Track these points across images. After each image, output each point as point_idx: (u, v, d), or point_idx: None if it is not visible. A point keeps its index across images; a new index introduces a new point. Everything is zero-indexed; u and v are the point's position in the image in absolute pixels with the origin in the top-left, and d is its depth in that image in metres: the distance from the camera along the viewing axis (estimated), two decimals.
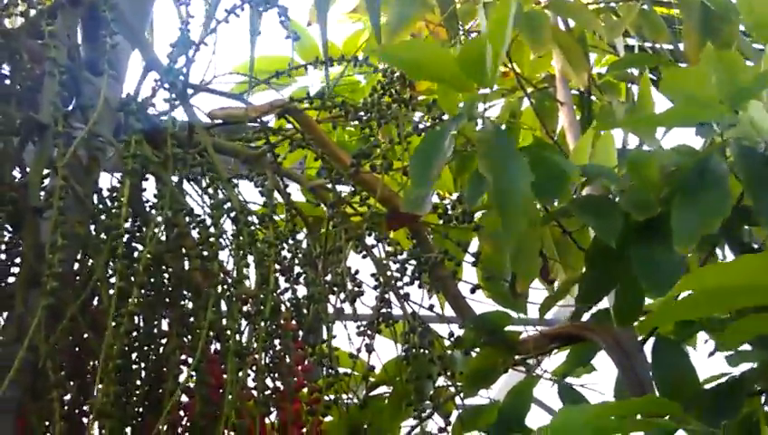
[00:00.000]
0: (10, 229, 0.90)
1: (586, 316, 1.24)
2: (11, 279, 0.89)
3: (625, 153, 1.13)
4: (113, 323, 0.78)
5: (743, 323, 0.76)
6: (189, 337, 0.93)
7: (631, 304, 1.05)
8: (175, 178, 0.92)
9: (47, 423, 0.83)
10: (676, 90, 0.92)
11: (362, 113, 1.11)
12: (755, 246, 1.12)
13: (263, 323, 0.88)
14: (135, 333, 0.91)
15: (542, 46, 1.37)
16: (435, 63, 0.91)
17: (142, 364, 0.93)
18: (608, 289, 1.06)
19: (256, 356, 0.95)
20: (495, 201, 0.85)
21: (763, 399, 1.11)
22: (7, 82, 0.92)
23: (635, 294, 1.03)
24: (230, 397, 0.84)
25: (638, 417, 0.78)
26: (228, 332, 0.87)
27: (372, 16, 1.20)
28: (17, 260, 0.89)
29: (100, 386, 0.80)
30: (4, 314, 0.90)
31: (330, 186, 1.12)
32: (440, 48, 0.91)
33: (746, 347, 1.11)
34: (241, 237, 0.89)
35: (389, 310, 1.12)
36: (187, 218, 0.90)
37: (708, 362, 1.22)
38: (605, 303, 1.19)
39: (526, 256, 0.92)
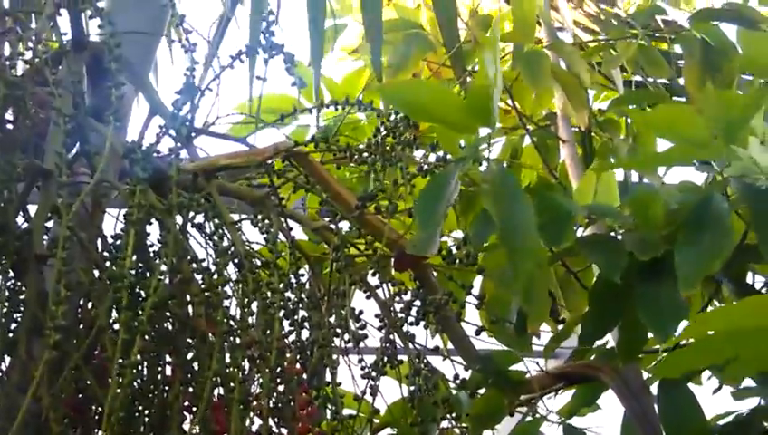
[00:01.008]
0: (12, 276, 0.89)
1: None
2: (13, 325, 0.89)
3: (628, 189, 1.13)
4: (116, 375, 0.77)
5: (744, 360, 0.75)
6: (193, 383, 0.92)
7: (635, 340, 1.05)
8: (179, 221, 0.92)
9: None
10: (669, 130, 0.92)
11: (366, 155, 1.11)
12: (757, 287, 1.12)
13: (267, 370, 0.87)
14: (138, 381, 0.90)
15: (541, 84, 1.37)
16: (437, 104, 0.91)
17: (145, 411, 0.92)
18: (611, 326, 1.06)
19: (260, 401, 0.94)
20: (503, 242, 0.84)
21: None
22: (10, 126, 0.92)
23: (638, 331, 1.03)
24: None
25: None
26: (233, 381, 0.86)
27: (374, 56, 1.21)
28: (20, 306, 0.89)
29: None
30: (7, 360, 0.89)
31: (334, 228, 1.12)
32: (443, 88, 0.91)
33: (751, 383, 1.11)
34: (245, 284, 0.88)
35: (394, 350, 1.11)
36: (193, 265, 0.90)
37: (713, 399, 1.21)
38: (610, 342, 1.18)
39: (536, 296, 0.92)
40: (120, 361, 0.79)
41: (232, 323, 0.90)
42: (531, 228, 0.85)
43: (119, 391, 0.76)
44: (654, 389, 1.11)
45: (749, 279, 1.12)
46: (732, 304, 1.00)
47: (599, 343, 1.19)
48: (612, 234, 1.05)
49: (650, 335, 1.09)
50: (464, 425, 1.12)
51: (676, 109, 0.90)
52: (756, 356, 0.76)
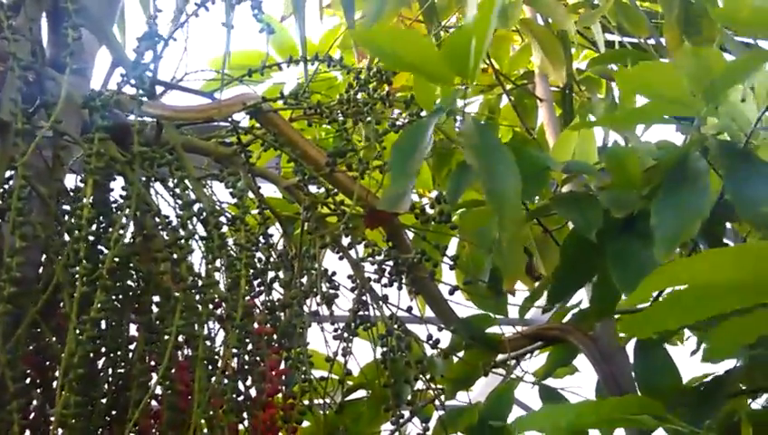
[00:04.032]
0: None
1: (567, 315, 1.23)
2: None
3: (606, 150, 1.11)
4: (76, 330, 0.74)
5: (730, 326, 0.72)
6: (158, 343, 0.90)
7: (607, 298, 1.03)
8: (143, 178, 0.89)
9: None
10: (648, 87, 0.90)
11: (338, 111, 1.07)
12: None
13: (234, 329, 0.85)
14: (100, 339, 0.87)
15: (510, 24, 1.33)
16: (415, 54, 0.88)
17: (109, 371, 0.89)
18: (580, 284, 1.04)
19: (226, 362, 0.92)
20: (489, 198, 0.82)
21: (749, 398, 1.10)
22: None
23: (611, 289, 1.01)
24: (198, 405, 0.80)
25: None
26: (197, 339, 0.83)
27: (347, 11, 1.17)
28: None
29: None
30: None
31: (304, 187, 1.09)
32: (419, 37, 0.87)
33: None
34: (210, 241, 0.86)
35: (366, 312, 1.09)
36: (156, 219, 0.87)
37: (691, 360, 1.20)
38: (585, 303, 1.17)
39: (512, 254, 0.90)
40: (81, 316, 0.76)
41: (197, 280, 0.88)
42: (515, 183, 0.82)
43: (77, 347, 0.73)
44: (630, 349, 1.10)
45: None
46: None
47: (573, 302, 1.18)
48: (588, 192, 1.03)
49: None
50: (438, 386, 1.11)
51: (657, 66, 0.87)
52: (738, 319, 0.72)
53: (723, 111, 0.86)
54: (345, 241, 1.11)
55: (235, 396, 0.88)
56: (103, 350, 0.88)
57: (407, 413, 1.10)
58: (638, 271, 0.87)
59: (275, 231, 1.17)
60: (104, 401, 0.87)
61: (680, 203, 0.84)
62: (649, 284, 0.63)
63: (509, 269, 0.94)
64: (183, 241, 0.82)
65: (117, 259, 0.82)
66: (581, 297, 1.16)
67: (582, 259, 0.95)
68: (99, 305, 0.76)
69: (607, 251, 0.90)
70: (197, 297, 0.86)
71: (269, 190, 1.20)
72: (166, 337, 0.85)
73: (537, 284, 1.17)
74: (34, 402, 0.88)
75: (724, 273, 0.61)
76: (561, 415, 0.77)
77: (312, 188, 1.11)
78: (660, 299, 1.03)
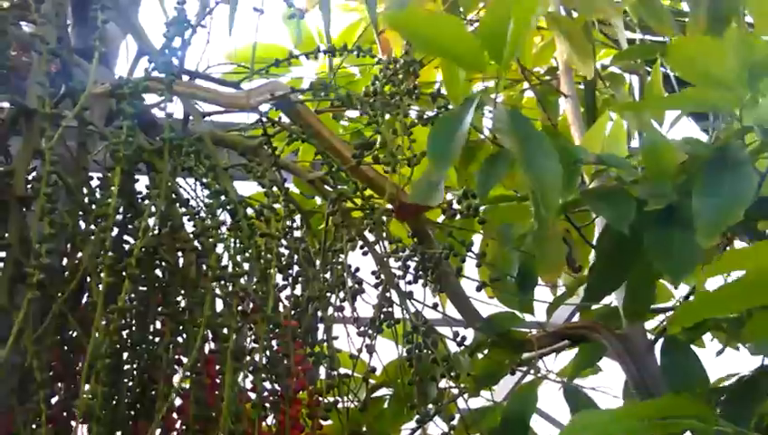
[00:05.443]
0: None
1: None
2: None
3: (641, 143, 1.09)
4: (102, 321, 0.73)
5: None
6: (184, 335, 0.88)
7: (643, 298, 1.01)
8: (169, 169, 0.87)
9: (33, 425, 0.78)
10: (687, 63, 0.87)
11: (367, 104, 1.06)
12: None
13: (264, 321, 0.83)
14: (126, 331, 0.86)
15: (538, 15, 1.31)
16: (449, 37, 0.86)
17: (134, 364, 0.88)
18: (618, 282, 1.02)
19: (253, 356, 0.90)
20: (531, 182, 0.80)
21: None
22: None
23: (647, 288, 0.99)
24: (227, 400, 0.78)
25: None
26: (225, 330, 0.82)
27: (370, 5, 1.16)
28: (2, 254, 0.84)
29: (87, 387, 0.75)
30: None
31: (330, 180, 1.07)
32: (456, 20, 0.85)
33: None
34: (240, 230, 0.84)
35: (391, 309, 1.07)
36: (183, 210, 0.85)
37: (713, 363, 1.19)
38: (613, 301, 1.15)
39: (551, 244, 0.87)
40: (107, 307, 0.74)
41: (225, 271, 0.86)
42: (555, 164, 0.80)
43: (101, 337, 0.71)
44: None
45: None
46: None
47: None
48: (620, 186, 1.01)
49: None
50: (462, 385, 1.09)
51: (709, 41, 0.85)
52: None
53: (763, 103, 0.84)
54: (370, 236, 1.10)
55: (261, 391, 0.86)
56: (128, 342, 0.86)
57: (430, 412, 1.08)
58: (685, 258, 0.84)
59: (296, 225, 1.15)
60: (129, 393, 0.85)
61: (722, 189, 0.82)
62: (714, 269, 0.61)
63: (549, 260, 0.92)
64: (211, 231, 0.80)
65: (144, 250, 0.81)
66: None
67: (619, 255, 0.93)
68: (126, 296, 0.74)
69: (647, 242, 0.87)
70: (225, 290, 0.84)
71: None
72: (194, 328, 0.84)
73: (561, 280, 1.15)
74: (56, 398, 0.87)
75: None
76: (600, 420, 0.75)
77: None
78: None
